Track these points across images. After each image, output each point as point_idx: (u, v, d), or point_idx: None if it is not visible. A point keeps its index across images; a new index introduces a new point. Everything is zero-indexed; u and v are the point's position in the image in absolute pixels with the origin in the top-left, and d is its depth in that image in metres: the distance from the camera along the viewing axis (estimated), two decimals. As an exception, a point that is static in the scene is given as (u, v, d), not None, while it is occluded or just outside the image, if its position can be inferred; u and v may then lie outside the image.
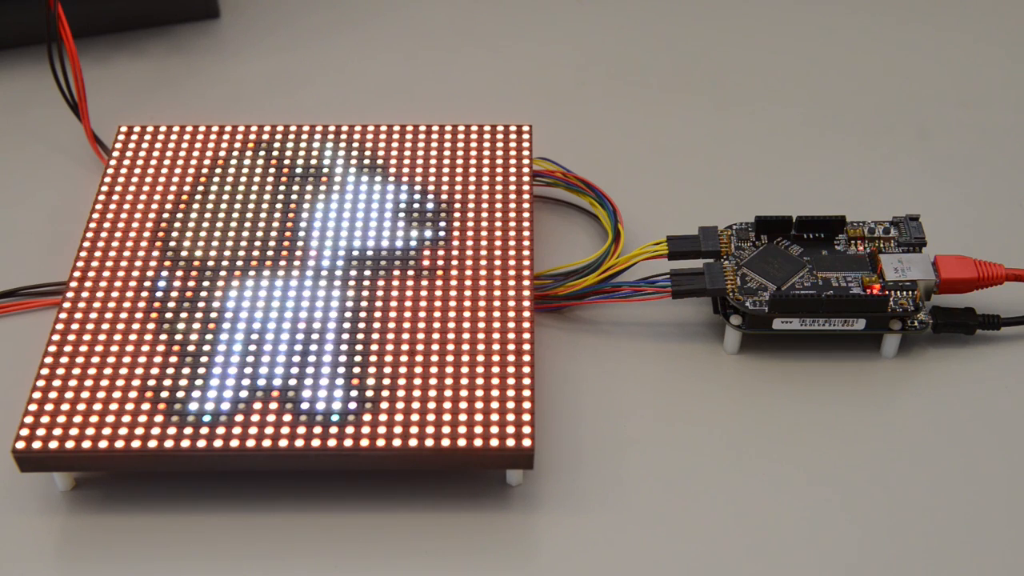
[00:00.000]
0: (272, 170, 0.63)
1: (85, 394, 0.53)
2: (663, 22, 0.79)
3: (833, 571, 0.51)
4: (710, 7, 0.80)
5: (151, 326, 0.56)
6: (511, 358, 0.54)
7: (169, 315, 0.56)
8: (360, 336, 0.55)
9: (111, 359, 0.54)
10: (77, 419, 0.52)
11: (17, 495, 0.54)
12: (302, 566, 0.51)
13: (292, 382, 0.53)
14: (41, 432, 0.52)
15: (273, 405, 0.52)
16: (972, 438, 0.56)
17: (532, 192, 0.62)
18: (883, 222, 0.61)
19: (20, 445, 0.51)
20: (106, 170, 0.63)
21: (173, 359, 0.54)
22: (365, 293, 0.57)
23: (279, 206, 0.61)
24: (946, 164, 0.68)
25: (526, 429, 0.51)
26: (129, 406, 0.52)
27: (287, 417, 0.52)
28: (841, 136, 0.70)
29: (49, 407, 0.52)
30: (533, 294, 0.57)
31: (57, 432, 0.52)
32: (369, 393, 0.53)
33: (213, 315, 0.56)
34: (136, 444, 0.51)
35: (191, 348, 0.55)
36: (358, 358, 0.54)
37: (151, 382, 0.53)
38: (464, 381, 0.53)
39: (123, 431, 0.52)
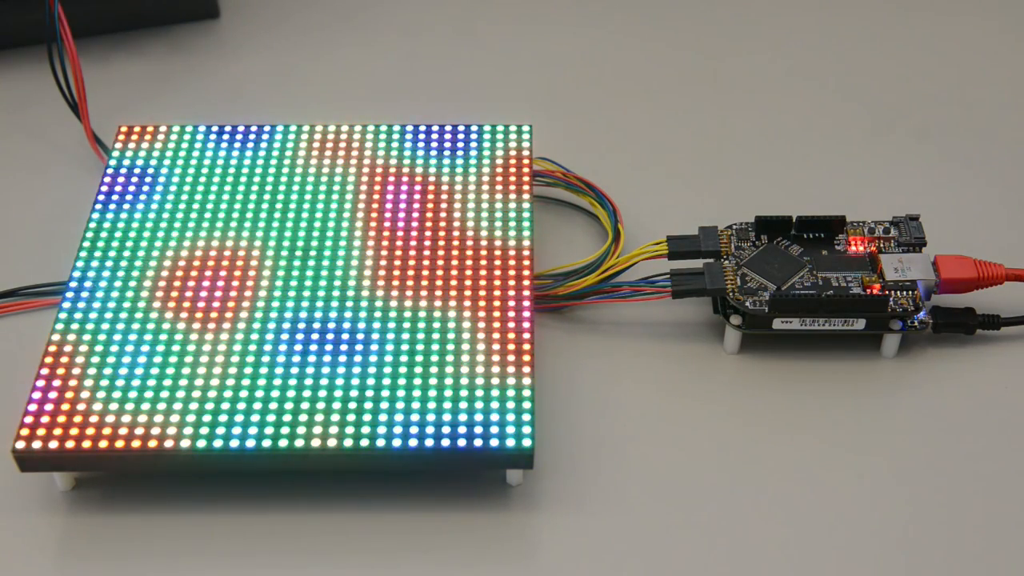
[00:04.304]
0: (272, 170, 0.63)
1: (85, 394, 0.53)
2: (663, 22, 0.79)
3: (833, 570, 0.51)
4: (710, 7, 0.80)
5: (151, 326, 0.56)
6: (511, 358, 0.54)
7: (169, 315, 0.56)
8: (360, 336, 0.55)
9: (111, 359, 0.54)
10: (77, 419, 0.52)
11: (17, 495, 0.54)
12: (302, 566, 0.51)
13: (292, 382, 0.53)
14: (41, 432, 0.52)
15: (273, 405, 0.52)
16: (972, 438, 0.56)
17: (532, 192, 0.62)
18: (883, 222, 0.61)
19: (20, 445, 0.51)
20: (106, 170, 0.63)
21: (173, 359, 0.54)
22: (365, 293, 0.57)
23: (279, 206, 0.61)
24: (946, 164, 0.68)
25: (526, 429, 0.51)
26: (129, 406, 0.52)
27: (287, 417, 0.52)
28: (841, 136, 0.70)
29: (49, 407, 0.52)
30: (533, 294, 0.57)
31: (57, 432, 0.52)
32: (369, 393, 0.53)
33: (213, 315, 0.56)
34: (136, 444, 0.51)
35: (191, 348, 0.55)
36: (358, 358, 0.54)
37: (151, 382, 0.53)
38: (464, 381, 0.53)
39: (123, 431, 0.52)
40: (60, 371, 0.54)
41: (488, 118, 0.66)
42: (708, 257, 0.59)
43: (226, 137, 0.64)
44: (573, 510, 0.53)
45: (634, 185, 0.66)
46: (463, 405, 0.52)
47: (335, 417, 0.52)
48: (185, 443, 0.51)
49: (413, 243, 0.59)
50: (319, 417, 0.52)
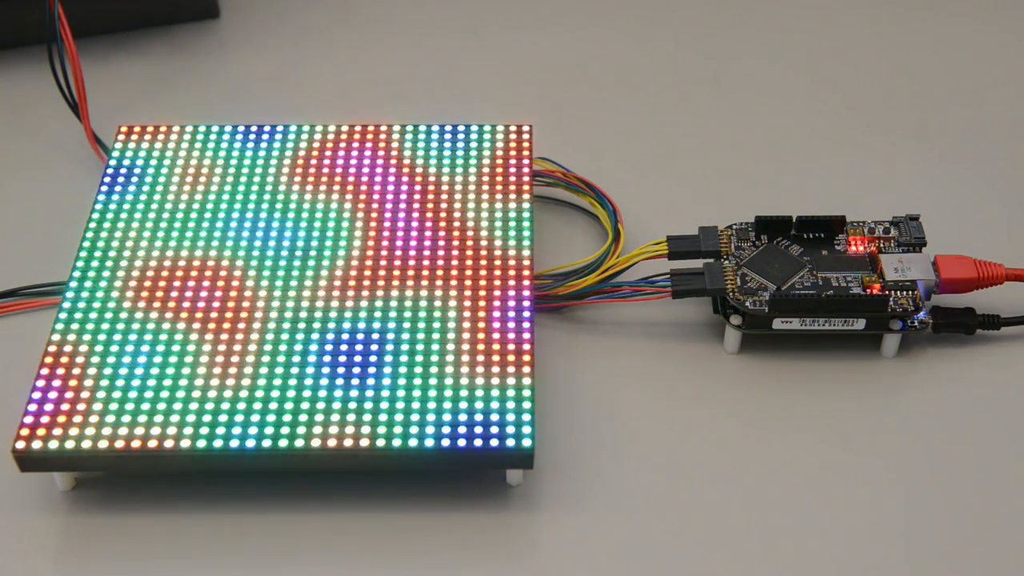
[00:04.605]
0: (272, 170, 0.63)
1: (85, 394, 0.53)
2: (664, 22, 0.79)
3: (833, 570, 0.51)
4: (710, 7, 0.80)
5: (151, 326, 0.56)
6: (511, 358, 0.54)
7: (169, 315, 0.56)
8: (360, 336, 0.55)
9: (111, 359, 0.54)
10: (77, 419, 0.52)
11: (17, 495, 0.54)
12: (302, 566, 0.51)
13: (292, 382, 0.53)
14: (41, 432, 0.52)
15: (273, 405, 0.52)
16: (972, 438, 0.56)
17: (532, 192, 0.62)
18: (883, 222, 0.61)
19: (20, 445, 0.51)
20: (106, 170, 0.63)
21: (173, 359, 0.54)
22: (365, 293, 0.57)
23: (279, 206, 0.61)
24: (946, 164, 0.68)
25: (526, 429, 0.51)
26: (129, 406, 0.52)
27: (287, 417, 0.52)
28: (841, 136, 0.70)
29: (49, 407, 0.52)
30: (533, 294, 0.57)
31: (57, 432, 0.52)
32: (369, 393, 0.53)
33: (213, 315, 0.56)
34: (136, 444, 0.51)
35: (191, 348, 0.55)
36: (358, 358, 0.54)
37: (151, 382, 0.53)
38: (464, 381, 0.53)
39: (123, 431, 0.52)
40: (60, 371, 0.54)
41: (488, 118, 0.66)
42: (708, 257, 0.59)
43: (226, 137, 0.64)
44: (573, 510, 0.53)
45: (634, 185, 0.66)
46: (463, 405, 0.52)
47: (335, 417, 0.52)
48: (185, 443, 0.51)
49: (413, 243, 0.59)
50: (319, 417, 0.52)
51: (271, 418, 0.52)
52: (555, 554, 0.52)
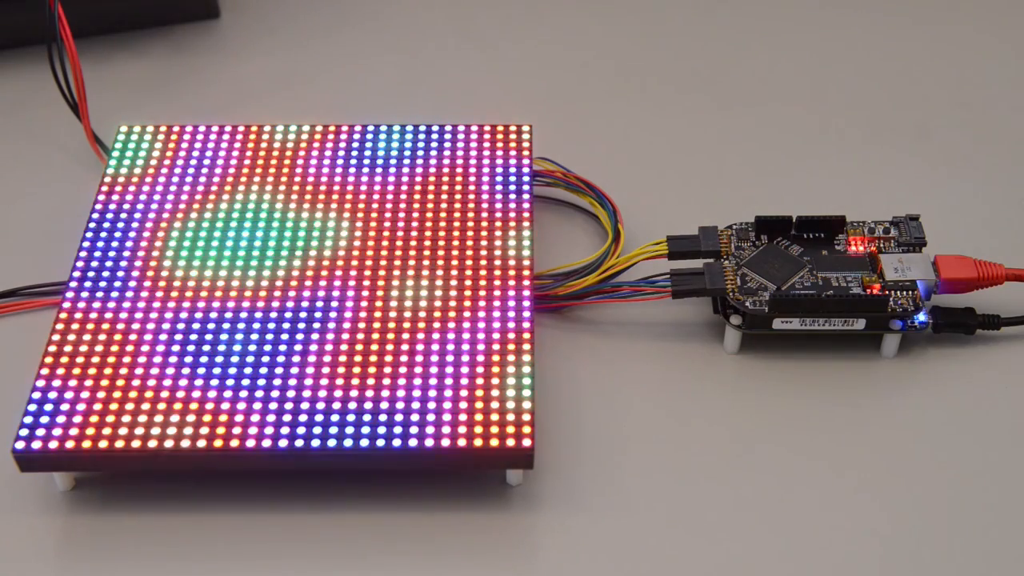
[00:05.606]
0: (272, 170, 0.63)
1: (85, 394, 0.53)
2: (663, 21, 0.79)
3: (833, 570, 0.51)
4: (710, 7, 0.80)
5: (151, 326, 0.56)
6: (511, 358, 0.54)
7: (169, 315, 0.56)
8: (360, 336, 0.55)
9: (111, 359, 0.54)
10: (77, 419, 0.52)
11: (17, 495, 0.54)
12: (302, 566, 0.51)
13: (292, 382, 0.53)
14: (41, 432, 0.52)
15: (273, 405, 0.52)
16: (972, 438, 0.56)
17: (532, 192, 0.62)
18: (883, 222, 0.61)
19: (20, 445, 0.51)
20: (106, 170, 0.63)
21: (173, 359, 0.54)
22: (365, 293, 0.57)
23: (279, 206, 0.61)
24: (946, 164, 0.68)
25: (526, 429, 0.51)
26: (129, 406, 0.52)
27: (287, 417, 0.52)
28: (841, 136, 0.70)
29: (49, 407, 0.52)
30: (533, 294, 0.57)
31: (57, 432, 0.52)
32: (369, 393, 0.53)
33: (213, 315, 0.56)
34: (136, 444, 0.51)
35: (191, 348, 0.55)
36: (358, 358, 0.54)
37: (151, 382, 0.53)
38: (464, 381, 0.53)
39: (123, 431, 0.52)
40: (60, 371, 0.54)
41: (488, 118, 0.66)
42: (708, 257, 0.59)
43: (226, 137, 0.64)
44: (573, 510, 0.53)
45: (634, 185, 0.66)
46: (463, 405, 0.52)
47: (335, 417, 0.52)
48: (185, 443, 0.51)
49: (413, 243, 0.59)
50: (319, 417, 0.52)
51: (271, 418, 0.52)
52: (555, 554, 0.52)
